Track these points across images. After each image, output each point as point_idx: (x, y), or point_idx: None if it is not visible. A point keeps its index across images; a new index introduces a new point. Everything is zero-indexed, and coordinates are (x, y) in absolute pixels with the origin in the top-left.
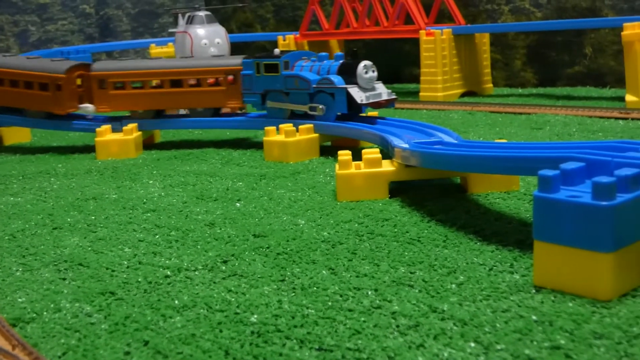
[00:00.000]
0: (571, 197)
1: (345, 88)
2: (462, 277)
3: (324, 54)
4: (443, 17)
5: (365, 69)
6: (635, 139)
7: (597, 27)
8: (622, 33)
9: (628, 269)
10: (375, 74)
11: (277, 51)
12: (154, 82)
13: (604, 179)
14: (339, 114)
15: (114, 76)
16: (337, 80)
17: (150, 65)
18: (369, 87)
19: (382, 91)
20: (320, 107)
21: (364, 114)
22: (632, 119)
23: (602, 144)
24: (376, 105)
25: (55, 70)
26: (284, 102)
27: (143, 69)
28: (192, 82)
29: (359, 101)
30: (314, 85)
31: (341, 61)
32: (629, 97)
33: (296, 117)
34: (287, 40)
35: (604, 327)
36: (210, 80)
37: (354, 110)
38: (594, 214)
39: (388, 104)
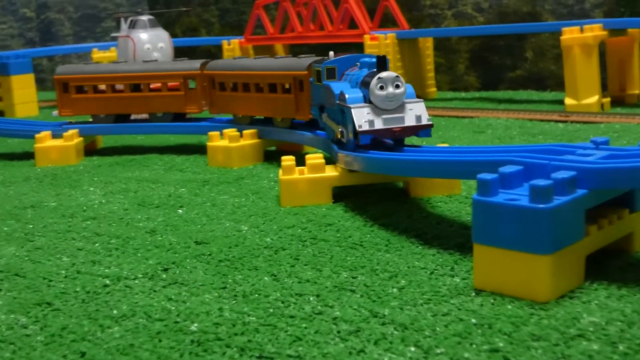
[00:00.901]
0: (509, 200)
1: (350, 107)
2: (403, 281)
3: (367, 59)
4: (387, 22)
5: (380, 82)
6: (574, 141)
7: (537, 32)
8: (561, 37)
9: (565, 271)
10: (401, 90)
11: (331, 54)
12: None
13: (541, 182)
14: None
15: (218, 76)
16: (352, 95)
17: (255, 65)
18: (388, 108)
19: (411, 114)
20: (341, 129)
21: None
22: (571, 121)
23: (539, 147)
24: (387, 133)
25: (190, 68)
26: (331, 119)
27: (245, 70)
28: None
29: (356, 126)
30: (337, 101)
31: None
32: (568, 101)
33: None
34: (231, 45)
35: (541, 329)
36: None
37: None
38: (531, 216)
39: (413, 132)
